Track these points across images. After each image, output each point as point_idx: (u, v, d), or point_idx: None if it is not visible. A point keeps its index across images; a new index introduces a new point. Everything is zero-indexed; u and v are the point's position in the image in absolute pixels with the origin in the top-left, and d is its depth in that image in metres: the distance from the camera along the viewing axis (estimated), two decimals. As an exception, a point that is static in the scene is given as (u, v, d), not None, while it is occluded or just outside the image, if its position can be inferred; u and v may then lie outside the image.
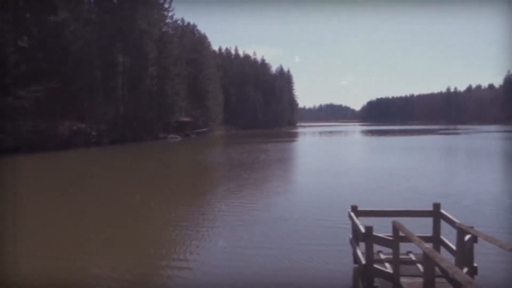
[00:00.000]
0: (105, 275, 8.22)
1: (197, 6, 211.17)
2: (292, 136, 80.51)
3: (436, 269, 6.00)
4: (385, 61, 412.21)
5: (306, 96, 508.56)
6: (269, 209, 14.18)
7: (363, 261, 6.24)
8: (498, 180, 21.26)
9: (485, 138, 61.92)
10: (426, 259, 4.75)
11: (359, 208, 7.60)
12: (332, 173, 23.98)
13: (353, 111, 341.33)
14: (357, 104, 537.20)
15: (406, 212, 7.63)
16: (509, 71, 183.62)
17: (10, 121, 38.69)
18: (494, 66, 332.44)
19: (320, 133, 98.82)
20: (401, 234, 5.68)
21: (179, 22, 79.26)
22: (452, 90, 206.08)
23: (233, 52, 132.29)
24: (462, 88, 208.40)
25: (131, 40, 54.62)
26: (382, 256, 7.29)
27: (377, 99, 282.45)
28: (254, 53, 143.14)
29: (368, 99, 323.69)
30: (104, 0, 55.33)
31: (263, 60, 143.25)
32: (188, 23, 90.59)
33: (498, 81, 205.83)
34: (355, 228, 7.40)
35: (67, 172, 27.47)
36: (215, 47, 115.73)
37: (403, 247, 6.66)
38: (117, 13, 54.78)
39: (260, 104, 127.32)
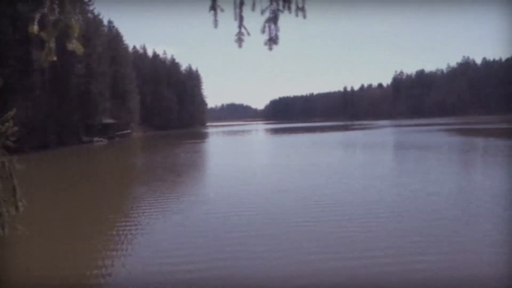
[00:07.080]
0: None
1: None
2: (213, 136, 78.85)
3: None
4: (285, 61, 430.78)
5: (207, 96, 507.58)
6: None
7: None
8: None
9: (395, 133, 68.14)
10: None
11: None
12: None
13: (255, 110, 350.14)
14: (257, 103, 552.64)
15: None
16: (396, 71, 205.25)
17: None
18: (383, 67, 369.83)
19: (236, 132, 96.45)
20: None
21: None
22: (348, 89, 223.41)
23: (141, 51, 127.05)
24: (356, 87, 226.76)
25: (53, 34, 49.15)
26: None
27: (280, 98, 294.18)
28: (164, 52, 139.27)
29: (268, 99, 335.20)
30: (17, -11, 48.87)
31: (173, 59, 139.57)
32: (101, 19, 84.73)
33: (386, 81, 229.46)
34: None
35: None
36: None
37: None
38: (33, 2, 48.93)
39: (175, 104, 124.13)
